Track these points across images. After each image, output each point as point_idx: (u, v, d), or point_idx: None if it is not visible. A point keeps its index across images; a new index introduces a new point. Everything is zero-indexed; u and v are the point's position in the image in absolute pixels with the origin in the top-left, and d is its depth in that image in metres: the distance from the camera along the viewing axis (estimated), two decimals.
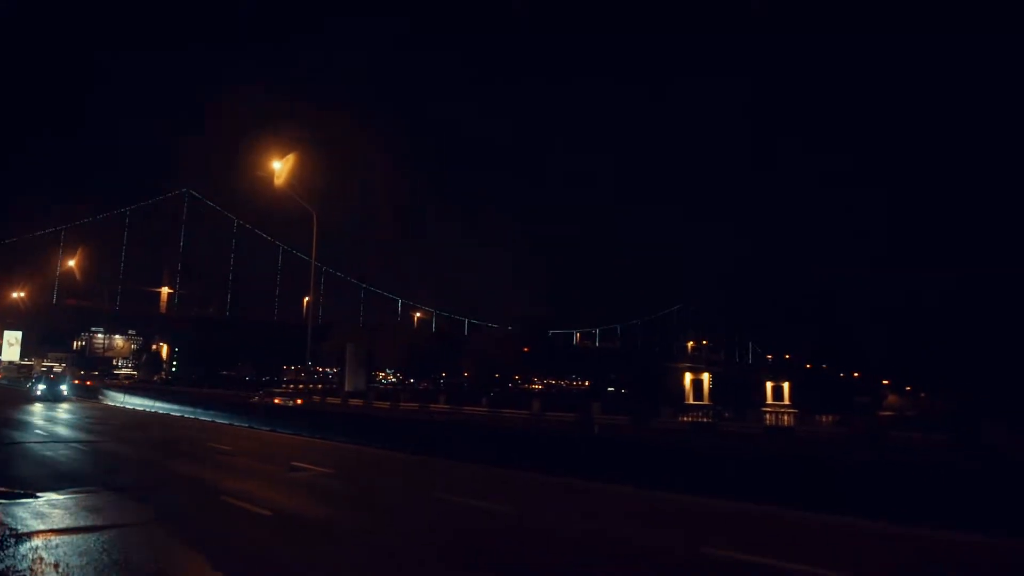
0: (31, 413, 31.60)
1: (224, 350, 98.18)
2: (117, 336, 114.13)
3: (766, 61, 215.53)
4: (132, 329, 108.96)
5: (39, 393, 43.18)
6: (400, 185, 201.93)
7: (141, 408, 41.12)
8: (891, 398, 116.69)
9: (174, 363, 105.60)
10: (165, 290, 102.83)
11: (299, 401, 43.17)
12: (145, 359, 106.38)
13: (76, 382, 53.87)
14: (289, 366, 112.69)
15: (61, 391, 44.22)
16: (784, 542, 8.46)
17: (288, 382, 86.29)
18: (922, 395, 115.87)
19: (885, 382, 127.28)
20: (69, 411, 34.62)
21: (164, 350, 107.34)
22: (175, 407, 39.12)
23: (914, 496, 9.75)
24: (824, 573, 6.91)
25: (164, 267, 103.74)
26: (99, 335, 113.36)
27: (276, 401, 41.81)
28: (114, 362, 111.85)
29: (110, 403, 46.52)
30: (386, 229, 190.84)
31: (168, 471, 13.98)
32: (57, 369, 74.74)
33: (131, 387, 64.22)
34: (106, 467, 14.15)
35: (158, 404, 41.70)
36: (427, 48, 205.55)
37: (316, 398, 49.00)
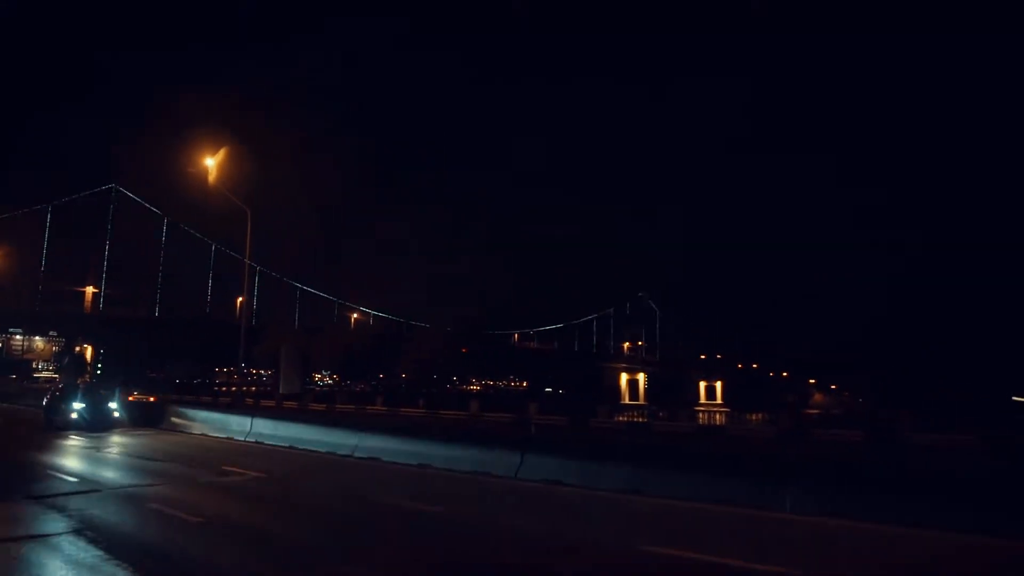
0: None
1: (153, 352, 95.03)
2: (37, 337, 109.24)
3: (766, 61, 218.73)
4: (54, 330, 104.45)
5: (73, 417, 24.34)
6: (346, 186, 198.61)
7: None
8: (817, 396, 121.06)
9: (99, 365, 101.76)
10: (90, 289, 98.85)
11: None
12: (68, 361, 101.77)
13: (130, 398, 30.24)
14: (221, 368, 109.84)
15: (109, 414, 25.43)
16: (717, 537, 8.78)
17: (220, 384, 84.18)
18: (845, 394, 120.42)
19: (812, 381, 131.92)
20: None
21: (88, 352, 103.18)
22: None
23: (836, 490, 10.21)
24: (755, 567, 7.26)
25: (89, 265, 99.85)
26: (17, 336, 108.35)
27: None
28: (33, 364, 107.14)
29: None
30: (327, 230, 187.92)
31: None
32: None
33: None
34: None
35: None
36: (424, 48, 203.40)
37: (249, 401, 47.86)
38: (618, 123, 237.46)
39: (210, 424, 24.52)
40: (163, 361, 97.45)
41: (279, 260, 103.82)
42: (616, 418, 41.19)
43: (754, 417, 45.03)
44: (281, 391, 69.79)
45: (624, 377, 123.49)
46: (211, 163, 29.02)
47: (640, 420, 41.19)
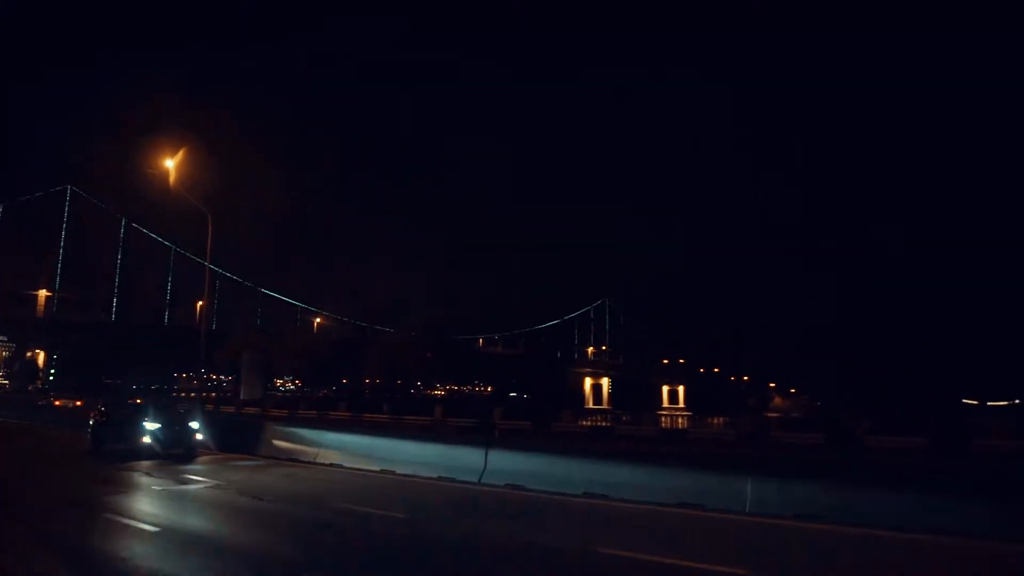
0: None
1: (109, 357, 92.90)
2: None
3: (761, 62, 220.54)
4: (4, 335, 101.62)
5: (144, 442, 17.80)
6: (311, 190, 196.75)
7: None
8: (777, 400, 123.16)
9: (51, 371, 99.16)
10: (43, 293, 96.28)
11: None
12: (18, 368, 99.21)
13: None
14: (181, 374, 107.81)
15: (190, 437, 18.65)
16: (677, 540, 8.91)
17: (180, 390, 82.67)
18: (804, 397, 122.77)
19: (772, 385, 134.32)
20: None
21: (40, 357, 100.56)
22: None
23: (793, 491, 10.43)
24: (713, 568, 7.38)
25: (43, 268, 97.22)
26: None
27: None
28: None
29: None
30: (292, 234, 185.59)
31: None
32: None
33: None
34: None
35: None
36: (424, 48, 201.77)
37: (209, 407, 47.15)
38: (591, 125, 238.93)
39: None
40: (121, 367, 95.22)
41: (242, 264, 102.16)
42: (580, 422, 41.65)
43: (716, 421, 45.78)
44: (242, 397, 68.85)
45: (588, 382, 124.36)
46: (171, 164, 28.47)
47: (604, 424, 41.66)
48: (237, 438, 20.06)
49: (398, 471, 14.92)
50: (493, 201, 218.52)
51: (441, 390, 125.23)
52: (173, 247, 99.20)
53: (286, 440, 18.73)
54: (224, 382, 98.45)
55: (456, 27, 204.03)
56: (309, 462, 16.96)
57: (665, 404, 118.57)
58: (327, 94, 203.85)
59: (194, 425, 18.72)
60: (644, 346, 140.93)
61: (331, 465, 16.44)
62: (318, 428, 19.73)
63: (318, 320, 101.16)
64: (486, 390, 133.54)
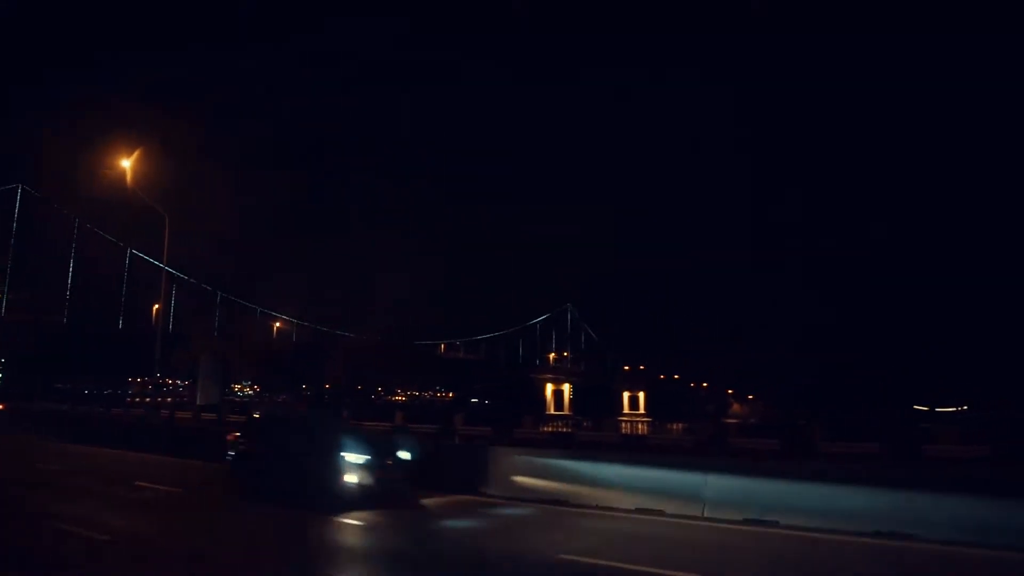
0: None
1: (61, 360, 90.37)
2: None
3: (760, 62, 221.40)
4: None
5: (350, 481, 11.73)
6: (276, 193, 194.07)
7: None
8: (735, 407, 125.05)
9: (0, 375, 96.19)
10: None
11: None
12: None
13: None
14: (135, 378, 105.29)
15: (405, 472, 12.82)
16: (637, 547, 9.00)
17: (134, 395, 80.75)
18: (761, 404, 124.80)
19: (730, 391, 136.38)
20: None
21: None
22: None
23: (751, 496, 10.61)
24: (670, 573, 7.48)
25: None
26: None
27: None
28: None
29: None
30: (253, 237, 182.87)
31: None
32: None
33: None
34: None
35: None
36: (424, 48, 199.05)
37: (164, 412, 46.13)
38: (591, 125, 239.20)
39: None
40: (73, 370, 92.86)
41: (201, 266, 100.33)
42: (542, 428, 41.72)
43: (675, 427, 46.19)
44: (199, 402, 67.48)
45: (550, 387, 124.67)
46: (127, 165, 27.89)
47: (565, 430, 41.80)
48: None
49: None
50: (478, 200, 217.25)
51: (402, 395, 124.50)
52: (129, 249, 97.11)
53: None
54: (181, 387, 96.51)
55: (456, 27, 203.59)
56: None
57: (626, 410, 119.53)
58: (327, 94, 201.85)
59: (406, 455, 12.98)
60: (606, 352, 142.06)
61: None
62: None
63: (278, 324, 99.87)
64: (448, 396, 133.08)
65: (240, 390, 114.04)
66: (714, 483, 11.29)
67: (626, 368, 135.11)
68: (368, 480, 11.73)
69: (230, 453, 13.84)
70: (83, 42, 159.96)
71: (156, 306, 70.73)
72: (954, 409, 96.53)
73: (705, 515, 10.93)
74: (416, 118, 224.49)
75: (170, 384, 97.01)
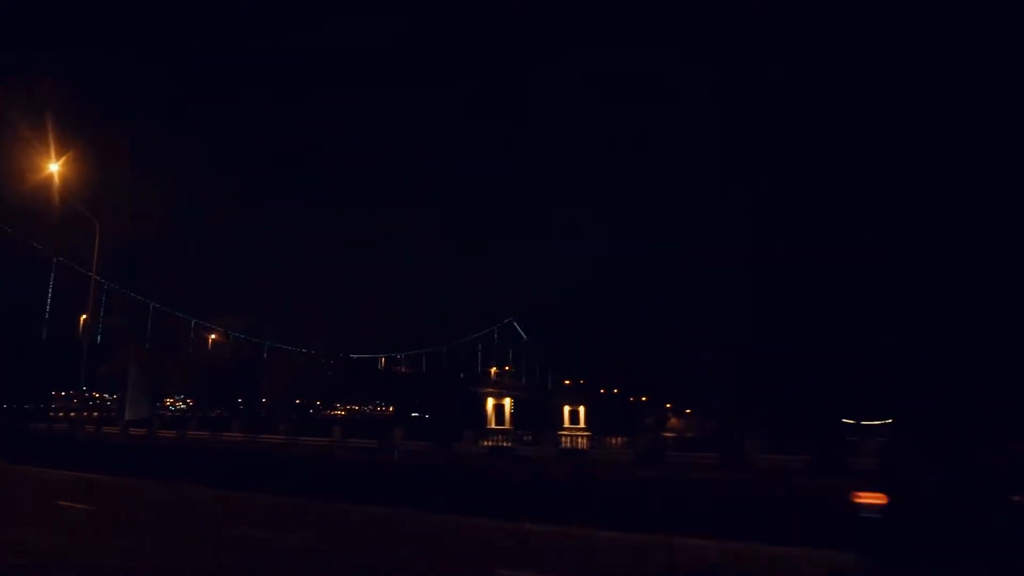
0: None
1: None
2: None
3: (760, 61, 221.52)
4: None
5: None
6: (215, 199, 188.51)
7: None
8: (673, 421, 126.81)
9: None
10: None
11: None
12: None
13: None
14: (59, 392, 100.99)
15: None
16: (576, 560, 9.15)
17: (58, 410, 77.49)
18: (697, 418, 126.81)
19: (668, 405, 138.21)
20: None
21: None
22: None
23: (686, 508, 10.90)
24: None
25: None
26: None
27: None
28: None
29: None
30: (190, 245, 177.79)
31: None
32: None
33: None
34: None
35: None
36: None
37: (90, 427, 44.33)
38: (591, 125, 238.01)
39: None
40: None
41: (131, 274, 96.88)
42: (482, 443, 41.64)
43: (615, 441, 46.61)
44: (127, 417, 65.23)
45: (491, 402, 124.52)
46: (55, 169, 27.01)
47: (505, 445, 41.81)
48: None
49: None
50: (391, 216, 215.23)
51: (341, 410, 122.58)
52: (55, 256, 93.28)
53: None
54: (109, 400, 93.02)
55: (456, 27, 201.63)
56: None
57: (566, 424, 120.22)
58: (327, 94, 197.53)
59: None
60: (547, 367, 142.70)
61: None
62: None
63: (213, 336, 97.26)
64: (388, 410, 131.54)
65: (172, 404, 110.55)
66: None
67: (567, 382, 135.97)
68: None
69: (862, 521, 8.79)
70: (82, 42, 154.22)
71: (83, 316, 68.23)
72: (879, 422, 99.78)
73: None
74: (416, 118, 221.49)
75: (97, 398, 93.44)
